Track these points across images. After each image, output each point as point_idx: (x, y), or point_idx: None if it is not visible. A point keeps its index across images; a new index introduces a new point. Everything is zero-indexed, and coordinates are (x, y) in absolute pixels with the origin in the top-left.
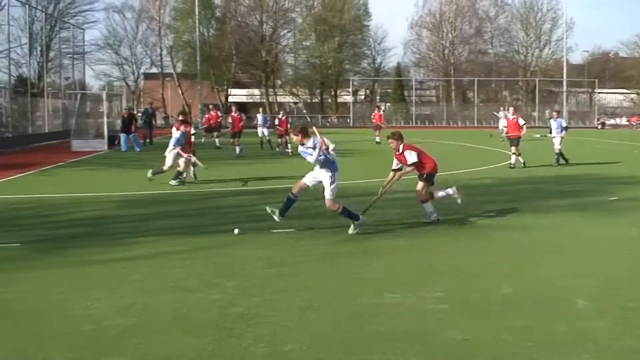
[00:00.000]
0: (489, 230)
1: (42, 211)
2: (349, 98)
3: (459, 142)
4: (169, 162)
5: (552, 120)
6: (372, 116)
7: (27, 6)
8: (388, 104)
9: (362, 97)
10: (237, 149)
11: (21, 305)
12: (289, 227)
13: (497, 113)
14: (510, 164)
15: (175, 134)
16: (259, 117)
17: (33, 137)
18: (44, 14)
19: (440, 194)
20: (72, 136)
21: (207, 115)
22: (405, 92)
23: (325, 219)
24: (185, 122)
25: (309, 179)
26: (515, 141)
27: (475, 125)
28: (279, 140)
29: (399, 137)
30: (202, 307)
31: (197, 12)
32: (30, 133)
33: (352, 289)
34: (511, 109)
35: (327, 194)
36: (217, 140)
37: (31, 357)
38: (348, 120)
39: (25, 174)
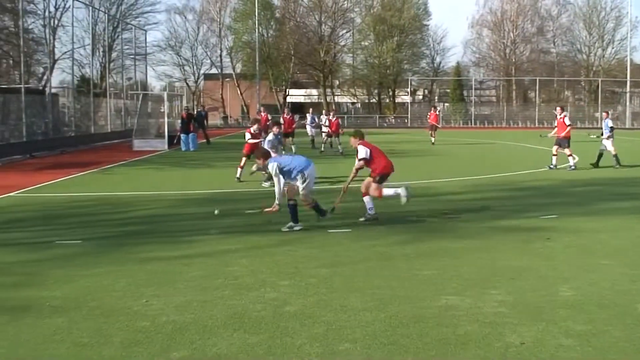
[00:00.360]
0: (548, 232)
1: (103, 209)
2: (407, 98)
3: (518, 143)
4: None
5: (603, 121)
6: (428, 116)
7: (90, 8)
8: (447, 104)
9: (421, 97)
10: (293, 149)
11: (80, 302)
12: (345, 227)
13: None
14: (569, 166)
15: (269, 136)
16: (308, 117)
17: (95, 136)
18: (106, 15)
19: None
20: (133, 136)
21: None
22: (465, 92)
23: (381, 220)
24: (277, 123)
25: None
26: (565, 142)
27: (536, 126)
28: (326, 139)
29: (357, 136)
30: (258, 305)
31: (257, 13)
32: (92, 132)
33: (409, 291)
34: (558, 108)
35: (301, 191)
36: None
37: (88, 353)
38: (406, 121)
39: (87, 172)
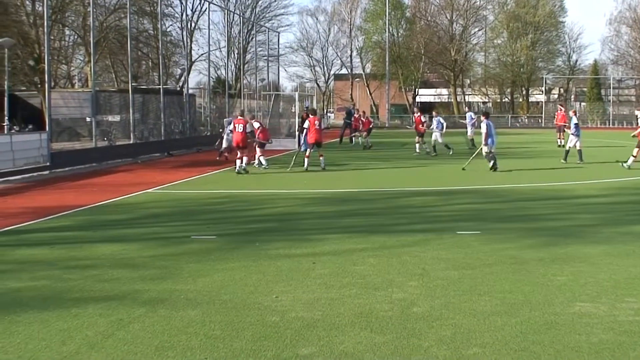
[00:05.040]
0: None
1: (236, 206)
2: (541, 97)
3: None
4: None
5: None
6: (555, 117)
7: (225, 11)
8: (583, 104)
9: (556, 96)
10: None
11: (214, 295)
12: (474, 229)
13: None
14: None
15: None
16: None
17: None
18: (241, 18)
19: None
20: None
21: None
22: (603, 91)
23: (512, 222)
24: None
25: None
26: None
27: None
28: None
29: None
30: (385, 305)
31: (387, 13)
32: None
33: (540, 296)
34: None
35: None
36: (368, 140)
37: (219, 345)
38: (540, 121)
39: (221, 170)
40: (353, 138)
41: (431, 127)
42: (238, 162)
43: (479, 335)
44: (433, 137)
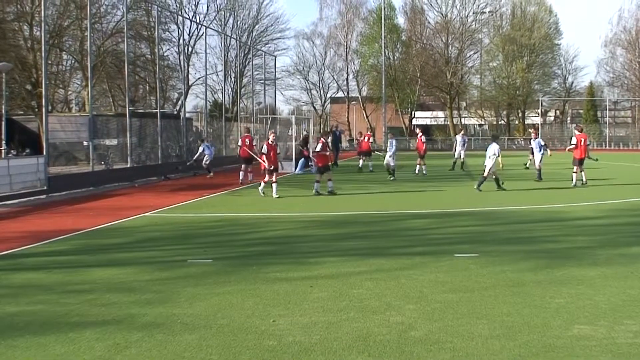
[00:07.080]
0: None
1: (232, 229)
2: (537, 119)
3: None
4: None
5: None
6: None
7: (222, 35)
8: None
9: (552, 118)
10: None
11: (210, 320)
12: (472, 252)
13: None
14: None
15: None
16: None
17: (226, 159)
18: (238, 42)
19: None
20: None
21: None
22: (599, 113)
23: (510, 245)
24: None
25: None
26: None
27: None
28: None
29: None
30: (382, 328)
31: (383, 37)
32: (224, 155)
33: (539, 319)
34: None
35: None
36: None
37: None
38: None
39: (218, 193)
40: (336, 161)
41: (391, 150)
42: (265, 184)
43: (477, 358)
44: (385, 161)
